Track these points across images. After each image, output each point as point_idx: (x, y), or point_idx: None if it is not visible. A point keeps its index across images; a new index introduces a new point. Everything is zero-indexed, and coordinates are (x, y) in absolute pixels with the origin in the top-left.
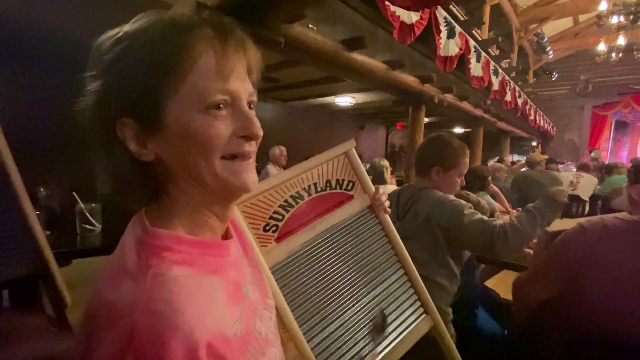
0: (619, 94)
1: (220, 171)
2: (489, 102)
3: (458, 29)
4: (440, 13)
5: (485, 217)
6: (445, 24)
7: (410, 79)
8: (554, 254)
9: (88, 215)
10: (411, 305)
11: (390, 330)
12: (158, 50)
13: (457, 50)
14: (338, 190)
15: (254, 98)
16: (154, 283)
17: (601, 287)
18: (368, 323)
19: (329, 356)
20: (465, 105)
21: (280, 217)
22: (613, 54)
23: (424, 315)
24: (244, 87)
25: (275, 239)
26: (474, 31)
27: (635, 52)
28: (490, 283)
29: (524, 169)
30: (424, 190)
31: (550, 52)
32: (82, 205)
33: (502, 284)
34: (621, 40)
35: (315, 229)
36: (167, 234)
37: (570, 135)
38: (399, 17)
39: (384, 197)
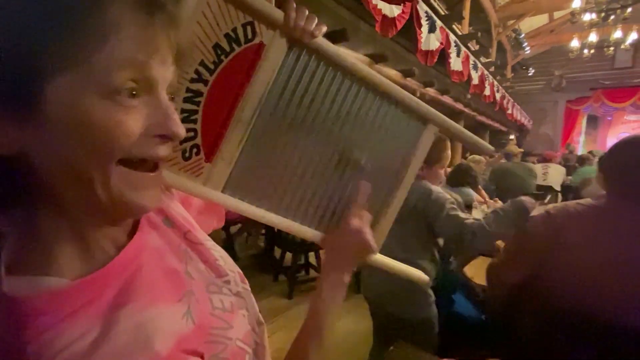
0: (591, 89)
1: (115, 182)
2: (469, 96)
3: (439, 23)
4: (422, 7)
5: (462, 215)
6: (426, 18)
7: (392, 73)
8: (522, 239)
9: None
10: (407, 126)
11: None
12: (54, 3)
13: (438, 44)
14: (238, 50)
15: (175, 89)
16: None
17: (566, 269)
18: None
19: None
20: (446, 99)
21: (192, 135)
22: (585, 50)
23: (427, 125)
24: (165, 73)
25: (205, 160)
26: (454, 26)
27: (605, 49)
28: (468, 269)
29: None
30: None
31: (527, 48)
32: None
33: (480, 270)
34: (593, 37)
35: (243, 119)
36: (31, 298)
37: (545, 128)
38: (380, 10)
39: (303, 15)
